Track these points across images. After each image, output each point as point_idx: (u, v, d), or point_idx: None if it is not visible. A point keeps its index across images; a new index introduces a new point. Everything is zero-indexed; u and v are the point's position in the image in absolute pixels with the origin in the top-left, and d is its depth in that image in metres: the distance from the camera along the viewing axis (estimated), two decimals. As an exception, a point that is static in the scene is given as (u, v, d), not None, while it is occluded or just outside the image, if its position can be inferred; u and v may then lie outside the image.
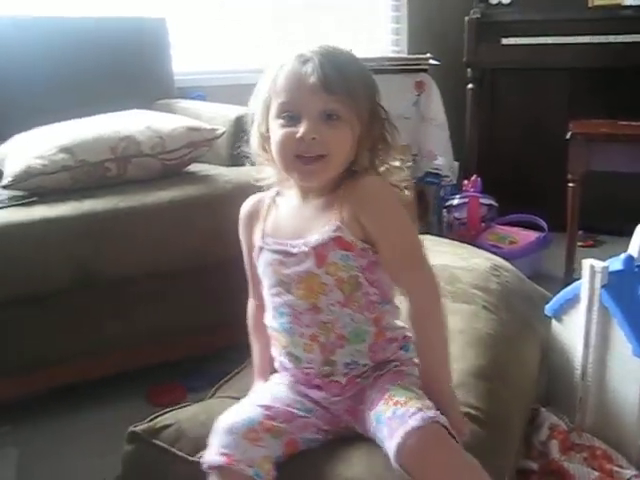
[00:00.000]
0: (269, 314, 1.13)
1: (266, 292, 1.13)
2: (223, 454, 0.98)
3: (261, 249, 1.12)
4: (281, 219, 1.12)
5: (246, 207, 1.19)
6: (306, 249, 1.05)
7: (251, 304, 1.25)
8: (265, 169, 1.14)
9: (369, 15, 3.55)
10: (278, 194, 1.15)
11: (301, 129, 1.01)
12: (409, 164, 1.13)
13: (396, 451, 0.92)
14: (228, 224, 1.84)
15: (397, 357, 1.10)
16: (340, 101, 1.01)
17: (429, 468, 0.91)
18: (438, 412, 0.95)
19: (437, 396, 1.01)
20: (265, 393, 1.11)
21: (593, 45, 2.96)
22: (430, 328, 1.04)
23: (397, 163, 1.10)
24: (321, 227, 1.05)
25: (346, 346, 1.06)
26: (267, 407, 1.05)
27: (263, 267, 1.11)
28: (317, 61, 1.00)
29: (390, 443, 0.93)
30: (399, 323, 1.12)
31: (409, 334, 1.11)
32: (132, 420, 1.19)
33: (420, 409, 0.95)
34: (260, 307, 1.19)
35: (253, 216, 1.16)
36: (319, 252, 1.04)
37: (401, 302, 1.09)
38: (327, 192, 1.07)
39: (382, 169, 1.09)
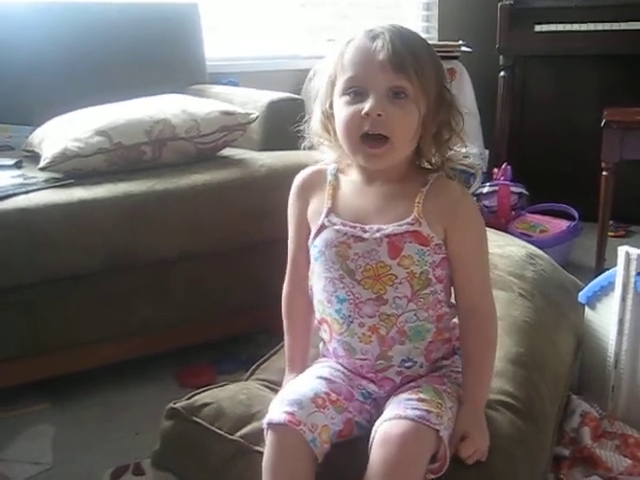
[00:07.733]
0: (321, 297, 1.08)
1: (322, 274, 1.06)
2: (287, 412, 0.95)
3: (323, 227, 1.06)
4: (345, 198, 1.07)
5: (302, 177, 1.12)
6: (379, 236, 1.01)
7: (286, 290, 1.17)
8: (325, 151, 1.10)
9: (400, 1, 3.53)
10: (339, 170, 1.10)
11: (367, 105, 0.97)
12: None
13: (379, 424, 0.95)
14: (262, 207, 1.87)
15: (452, 361, 1.10)
16: (408, 79, 0.97)
17: (387, 454, 0.91)
18: (442, 427, 0.95)
19: (467, 410, 1.02)
20: (323, 370, 1.08)
21: (628, 32, 2.91)
22: (483, 351, 1.05)
23: (463, 150, 1.07)
24: (396, 216, 1.02)
25: (406, 343, 1.04)
26: (330, 381, 1.04)
27: (323, 247, 1.05)
28: (387, 37, 0.98)
29: (381, 417, 0.97)
30: (455, 321, 1.10)
31: None
32: (164, 400, 1.20)
33: (428, 411, 0.95)
34: (297, 294, 1.14)
35: (311, 188, 1.10)
36: (393, 242, 1.01)
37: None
38: (395, 179, 1.05)
39: (447, 155, 1.06)
